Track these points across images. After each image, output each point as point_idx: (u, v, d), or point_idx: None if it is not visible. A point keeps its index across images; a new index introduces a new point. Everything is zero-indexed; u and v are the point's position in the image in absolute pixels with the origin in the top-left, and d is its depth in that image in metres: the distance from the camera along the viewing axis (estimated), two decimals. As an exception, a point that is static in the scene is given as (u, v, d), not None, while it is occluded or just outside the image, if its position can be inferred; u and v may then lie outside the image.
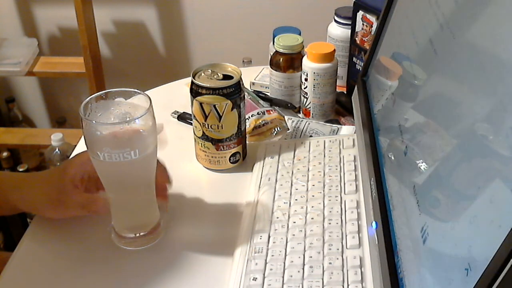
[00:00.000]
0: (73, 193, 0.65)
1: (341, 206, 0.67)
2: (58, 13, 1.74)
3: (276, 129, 0.83)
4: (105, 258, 0.66)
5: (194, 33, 1.76)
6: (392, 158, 0.61)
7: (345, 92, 0.97)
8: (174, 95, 0.98)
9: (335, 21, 0.96)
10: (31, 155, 1.93)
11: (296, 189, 0.71)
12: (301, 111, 0.92)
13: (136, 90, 0.62)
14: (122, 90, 0.62)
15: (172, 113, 0.92)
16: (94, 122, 0.58)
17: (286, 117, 0.86)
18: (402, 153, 0.58)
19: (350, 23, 0.92)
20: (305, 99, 0.89)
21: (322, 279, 0.58)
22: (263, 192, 0.72)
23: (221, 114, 0.73)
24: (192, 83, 0.73)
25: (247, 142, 0.80)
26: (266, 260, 0.61)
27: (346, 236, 0.62)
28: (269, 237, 0.64)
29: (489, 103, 0.40)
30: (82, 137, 0.62)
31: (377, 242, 0.56)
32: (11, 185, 0.69)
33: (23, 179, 0.70)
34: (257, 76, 1.01)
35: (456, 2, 0.53)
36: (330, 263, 0.59)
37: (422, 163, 0.52)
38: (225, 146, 0.76)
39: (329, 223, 0.64)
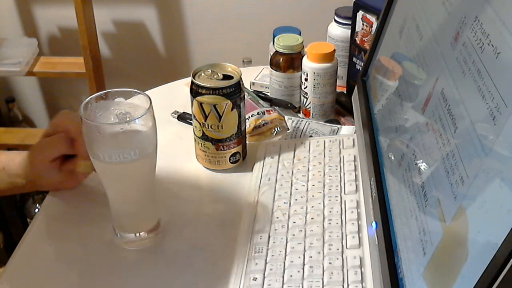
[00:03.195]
0: (47, 174, 0.70)
1: (341, 206, 0.67)
2: (58, 13, 1.74)
3: (276, 129, 0.83)
4: (105, 258, 0.65)
5: (194, 33, 1.76)
6: (392, 158, 0.61)
7: (345, 92, 0.97)
8: (174, 95, 0.98)
9: (335, 21, 0.96)
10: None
11: (296, 189, 0.71)
12: (301, 111, 0.92)
13: (136, 90, 0.62)
14: (122, 90, 0.62)
15: (172, 113, 0.92)
16: (94, 122, 0.58)
17: (286, 117, 0.86)
18: (402, 153, 0.58)
19: (350, 23, 0.92)
20: (305, 99, 0.89)
21: (322, 279, 0.58)
22: (263, 192, 0.72)
23: (221, 114, 0.73)
24: (192, 83, 0.73)
25: (247, 142, 0.80)
26: (266, 260, 0.61)
27: (346, 236, 0.62)
28: (269, 237, 0.64)
29: (490, 102, 0.40)
30: (82, 137, 0.62)
31: (377, 242, 0.56)
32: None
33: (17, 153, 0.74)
34: (257, 76, 1.01)
35: (457, 2, 0.53)
36: (330, 263, 0.59)
37: (422, 163, 0.52)
38: (225, 146, 0.76)
39: (329, 223, 0.64)
